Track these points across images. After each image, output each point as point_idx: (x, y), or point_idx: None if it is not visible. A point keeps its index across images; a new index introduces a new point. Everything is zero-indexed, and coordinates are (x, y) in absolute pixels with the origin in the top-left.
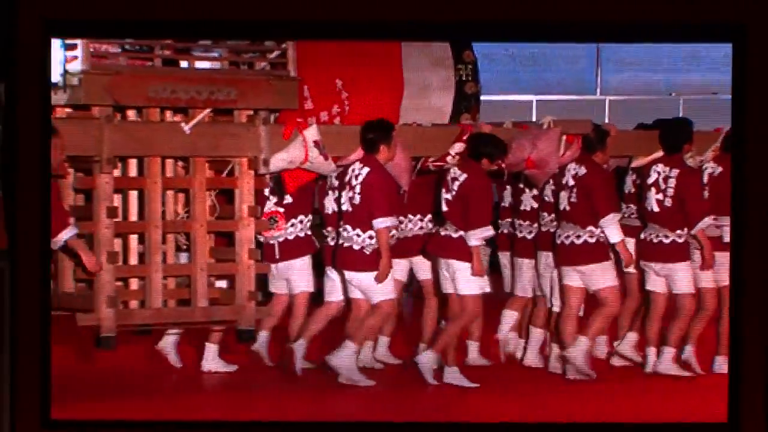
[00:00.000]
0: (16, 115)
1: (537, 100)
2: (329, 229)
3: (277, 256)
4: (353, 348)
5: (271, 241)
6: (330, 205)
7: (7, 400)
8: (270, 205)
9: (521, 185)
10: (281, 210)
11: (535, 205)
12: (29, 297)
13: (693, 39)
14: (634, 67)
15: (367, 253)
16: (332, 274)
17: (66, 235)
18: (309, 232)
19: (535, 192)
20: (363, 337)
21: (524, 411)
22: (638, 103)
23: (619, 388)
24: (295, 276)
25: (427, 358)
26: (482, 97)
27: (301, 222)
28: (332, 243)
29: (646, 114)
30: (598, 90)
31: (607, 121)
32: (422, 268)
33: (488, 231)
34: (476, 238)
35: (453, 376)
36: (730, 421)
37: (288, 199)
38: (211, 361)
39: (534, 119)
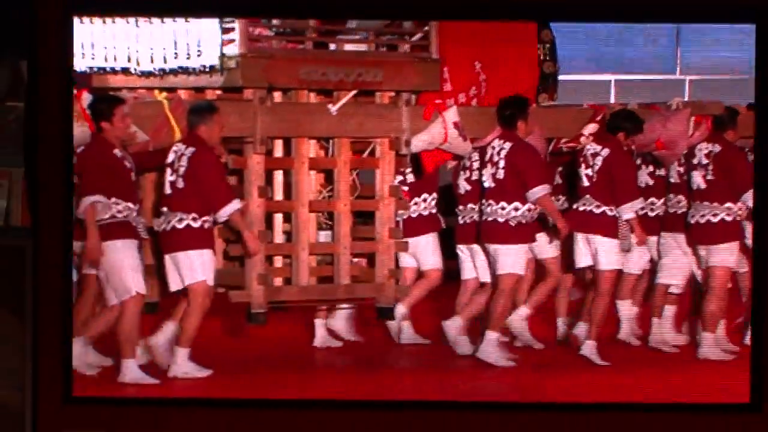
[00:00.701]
0: (38, 94)
1: (616, 80)
2: (461, 208)
3: (402, 234)
4: (494, 336)
5: (396, 219)
6: (463, 185)
7: (29, 376)
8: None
9: (638, 162)
10: (405, 188)
11: (651, 183)
12: (51, 274)
13: (716, 20)
14: (715, 46)
15: (512, 225)
16: (464, 253)
17: (231, 208)
18: (434, 210)
19: (650, 169)
20: (499, 322)
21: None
22: (718, 83)
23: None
24: (420, 253)
25: (580, 330)
26: (560, 77)
27: (425, 200)
28: (461, 222)
29: (725, 94)
30: (678, 69)
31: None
32: (544, 246)
33: (639, 203)
34: (629, 210)
35: (590, 350)
36: (752, 402)
37: (412, 177)
38: (321, 337)
39: (612, 99)
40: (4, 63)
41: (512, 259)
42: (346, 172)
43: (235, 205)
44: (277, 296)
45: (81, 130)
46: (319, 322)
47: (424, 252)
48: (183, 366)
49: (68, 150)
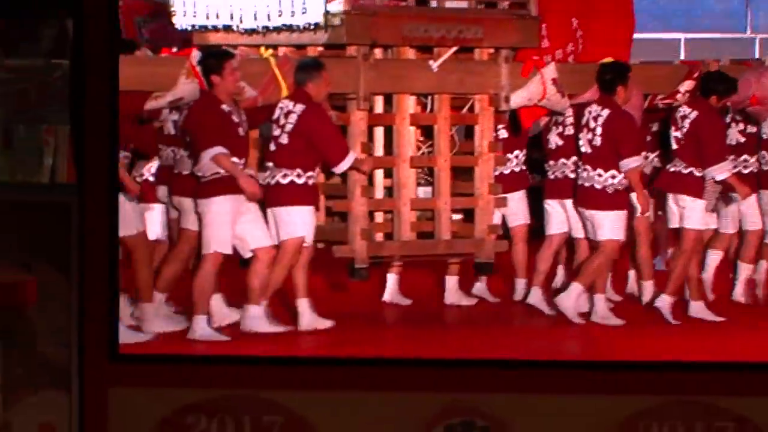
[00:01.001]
0: (83, 51)
1: (685, 39)
2: (551, 163)
3: (501, 190)
4: (579, 288)
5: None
6: (555, 140)
7: (75, 334)
8: None
9: (728, 120)
10: None
11: (742, 140)
12: (97, 232)
13: None
14: None
15: (609, 192)
16: (552, 207)
17: (349, 161)
18: (524, 167)
19: (741, 126)
20: (589, 278)
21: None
22: None
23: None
24: (509, 209)
25: (663, 300)
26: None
27: (516, 157)
28: (552, 177)
29: None
30: (749, 28)
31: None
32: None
33: (728, 164)
34: (719, 171)
35: (698, 310)
36: None
37: (503, 134)
38: (454, 293)
39: (682, 57)
40: (49, 20)
41: (611, 225)
42: (446, 128)
43: (352, 157)
44: (379, 251)
45: (191, 87)
46: (449, 279)
47: (515, 208)
48: (255, 321)
49: (114, 107)
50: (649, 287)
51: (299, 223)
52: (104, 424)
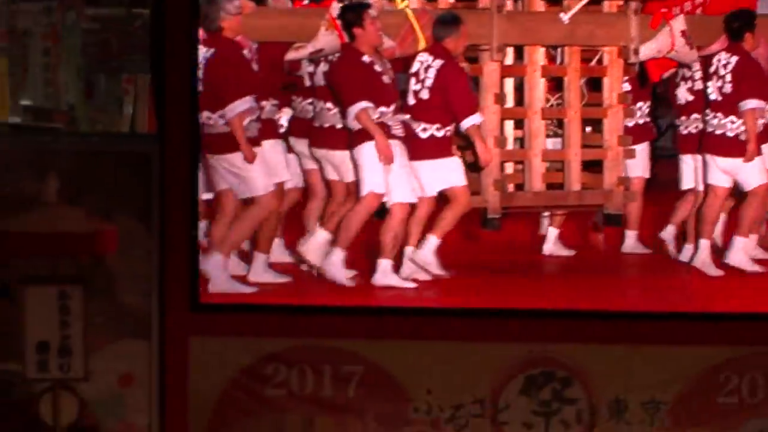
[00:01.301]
0: (163, 0)
1: None
2: (683, 118)
3: (630, 141)
4: (743, 241)
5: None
6: (684, 95)
7: (156, 283)
8: None
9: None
10: None
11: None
12: (178, 181)
13: None
14: None
15: (742, 139)
16: (686, 163)
17: (474, 120)
18: (648, 119)
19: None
20: (748, 226)
21: None
22: None
23: None
24: (632, 162)
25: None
26: None
27: (640, 109)
28: (684, 132)
29: None
30: None
31: None
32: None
33: None
34: None
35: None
36: None
37: (626, 86)
38: (554, 245)
39: None
40: None
41: (753, 170)
42: (576, 80)
43: (478, 118)
44: (511, 202)
45: (332, 39)
46: (551, 230)
47: (638, 160)
48: (386, 276)
49: (194, 56)
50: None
51: (449, 172)
52: (184, 373)
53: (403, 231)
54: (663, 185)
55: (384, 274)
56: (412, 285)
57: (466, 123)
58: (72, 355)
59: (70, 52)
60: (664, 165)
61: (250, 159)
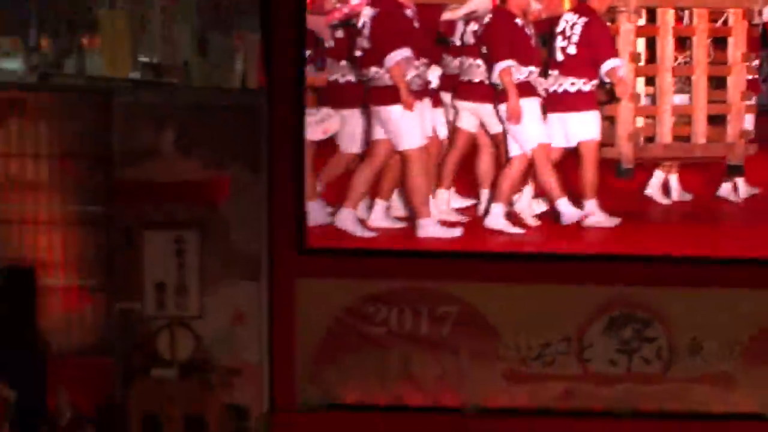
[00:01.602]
0: None
1: None
2: None
3: (753, 97)
4: None
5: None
6: None
7: (265, 227)
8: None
9: None
10: None
11: None
12: (285, 132)
13: None
14: None
15: None
16: None
17: (622, 68)
18: (756, 75)
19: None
20: None
21: None
22: None
23: None
24: None
25: None
26: None
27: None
28: None
29: None
30: None
31: None
32: None
33: None
34: None
35: None
36: None
37: None
38: (676, 190)
39: None
40: None
41: None
42: (703, 39)
43: (619, 62)
44: (643, 153)
45: (484, 1)
46: (672, 178)
47: None
48: (497, 219)
49: (301, 15)
50: None
51: (590, 125)
52: (291, 312)
53: (522, 180)
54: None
55: (496, 217)
56: (520, 231)
57: (607, 65)
58: (188, 295)
59: (185, 11)
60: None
61: (410, 106)
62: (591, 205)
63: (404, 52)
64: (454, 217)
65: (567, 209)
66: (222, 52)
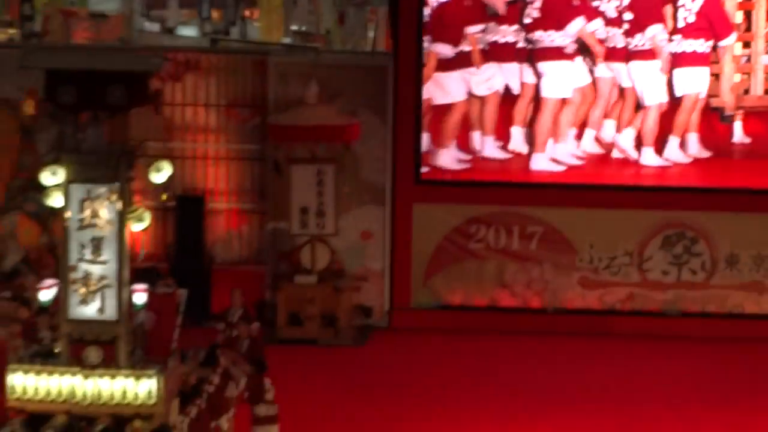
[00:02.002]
0: None
1: None
2: None
3: None
4: None
5: None
6: None
7: (389, 162)
8: None
9: None
10: None
11: None
12: (407, 88)
13: None
14: None
15: None
16: None
17: (733, 38)
18: None
19: None
20: None
21: None
22: None
23: None
24: None
25: None
26: None
27: None
28: None
29: None
30: None
31: None
32: None
33: None
34: None
35: None
36: None
37: None
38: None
39: None
40: None
41: None
42: None
43: (734, 36)
44: (742, 102)
45: None
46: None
47: None
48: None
49: None
50: None
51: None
52: (409, 230)
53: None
54: None
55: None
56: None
57: (727, 41)
58: (326, 217)
59: None
60: None
61: (572, 63)
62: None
63: (583, 21)
64: (568, 158)
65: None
66: (357, 23)
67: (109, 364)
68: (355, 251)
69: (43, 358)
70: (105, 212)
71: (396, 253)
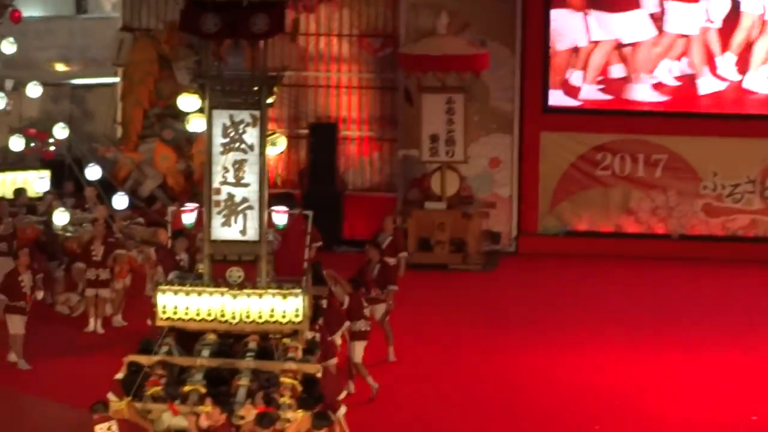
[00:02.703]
0: None
1: None
2: None
3: None
4: None
5: None
6: None
7: (518, 93)
8: None
9: None
10: None
11: None
12: (535, 19)
13: None
14: None
15: None
16: None
17: None
18: None
19: None
20: None
21: None
22: None
23: None
24: None
25: None
26: None
27: None
28: None
29: None
30: None
31: None
32: None
33: None
34: None
35: None
36: None
37: None
38: None
39: None
40: None
41: None
42: None
43: None
44: None
45: None
46: None
47: None
48: None
49: None
50: None
51: None
52: (536, 158)
53: None
54: None
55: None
56: None
57: None
58: (455, 144)
59: None
60: None
61: None
62: None
63: None
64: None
65: None
66: None
67: (250, 282)
68: (483, 178)
69: (183, 280)
70: (247, 137)
71: (523, 180)
